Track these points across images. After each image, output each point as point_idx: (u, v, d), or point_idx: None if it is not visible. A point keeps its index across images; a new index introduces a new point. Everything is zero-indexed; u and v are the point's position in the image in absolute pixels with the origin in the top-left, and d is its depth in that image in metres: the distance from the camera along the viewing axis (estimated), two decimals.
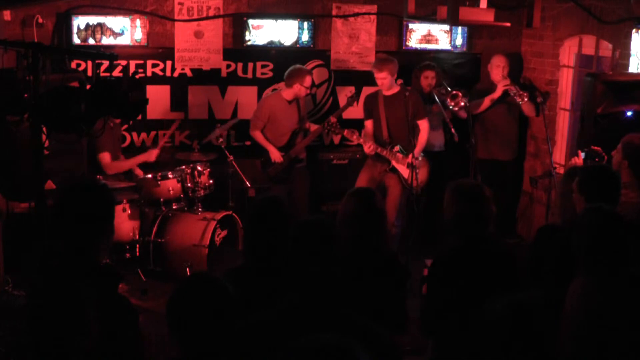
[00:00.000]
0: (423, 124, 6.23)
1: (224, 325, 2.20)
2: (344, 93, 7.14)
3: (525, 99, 6.46)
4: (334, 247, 2.33)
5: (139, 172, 6.22)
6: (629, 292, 2.73)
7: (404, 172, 6.15)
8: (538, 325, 2.68)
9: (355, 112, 6.78)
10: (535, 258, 2.98)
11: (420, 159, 6.24)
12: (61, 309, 2.17)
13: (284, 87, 6.43)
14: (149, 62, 6.73)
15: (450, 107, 6.41)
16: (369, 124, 6.32)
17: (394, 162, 6.17)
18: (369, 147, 6.14)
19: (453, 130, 6.26)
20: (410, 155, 6.01)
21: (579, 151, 4.74)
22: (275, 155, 6.34)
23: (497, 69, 6.69)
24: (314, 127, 6.63)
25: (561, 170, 6.59)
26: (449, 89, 6.52)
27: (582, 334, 2.58)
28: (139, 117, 6.21)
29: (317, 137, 6.83)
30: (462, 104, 6.35)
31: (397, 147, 6.16)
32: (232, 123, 6.59)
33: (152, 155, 6.25)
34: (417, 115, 6.17)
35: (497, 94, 6.62)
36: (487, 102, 6.67)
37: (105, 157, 5.94)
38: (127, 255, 5.74)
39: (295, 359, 1.66)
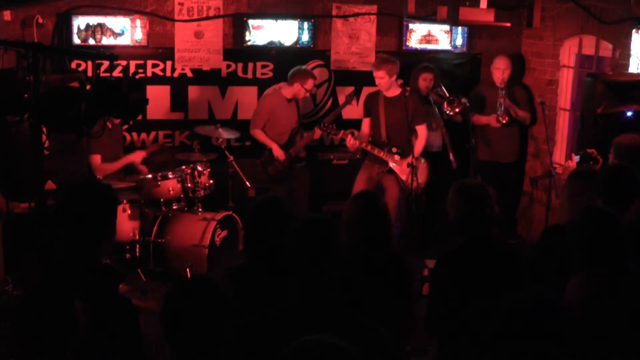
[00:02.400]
0: (421, 129, 6.20)
1: (214, 328, 2.17)
2: (344, 93, 7.14)
3: (505, 120, 6.59)
4: (334, 246, 2.32)
5: (143, 168, 6.22)
6: (626, 289, 2.73)
7: (402, 173, 6.13)
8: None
9: (355, 112, 6.78)
10: (538, 258, 2.98)
11: (423, 161, 6.24)
12: (47, 300, 2.16)
13: (285, 85, 6.44)
14: (149, 62, 6.73)
15: (447, 112, 6.44)
16: (366, 122, 6.28)
17: (391, 164, 6.15)
18: (350, 142, 5.99)
19: (452, 157, 6.33)
20: (410, 156, 6.00)
21: (573, 154, 4.75)
22: (279, 153, 6.33)
23: (497, 72, 6.68)
24: (307, 135, 6.53)
25: (561, 171, 6.58)
26: (447, 93, 6.53)
27: (580, 331, 2.58)
28: (139, 118, 6.22)
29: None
30: (458, 109, 6.38)
31: (394, 149, 6.14)
32: (234, 137, 6.56)
33: (138, 156, 6.23)
34: (416, 120, 6.13)
35: (492, 122, 6.67)
36: (482, 121, 6.71)
37: (95, 159, 5.93)
38: (127, 255, 5.73)
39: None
